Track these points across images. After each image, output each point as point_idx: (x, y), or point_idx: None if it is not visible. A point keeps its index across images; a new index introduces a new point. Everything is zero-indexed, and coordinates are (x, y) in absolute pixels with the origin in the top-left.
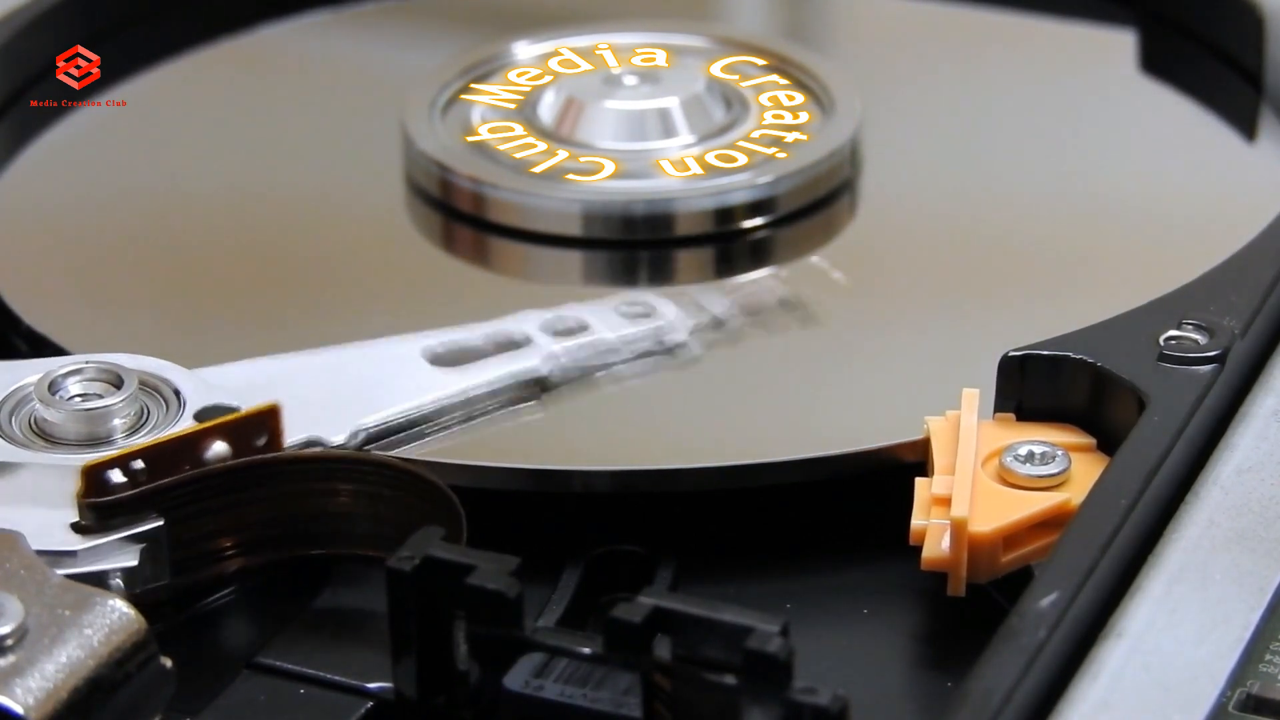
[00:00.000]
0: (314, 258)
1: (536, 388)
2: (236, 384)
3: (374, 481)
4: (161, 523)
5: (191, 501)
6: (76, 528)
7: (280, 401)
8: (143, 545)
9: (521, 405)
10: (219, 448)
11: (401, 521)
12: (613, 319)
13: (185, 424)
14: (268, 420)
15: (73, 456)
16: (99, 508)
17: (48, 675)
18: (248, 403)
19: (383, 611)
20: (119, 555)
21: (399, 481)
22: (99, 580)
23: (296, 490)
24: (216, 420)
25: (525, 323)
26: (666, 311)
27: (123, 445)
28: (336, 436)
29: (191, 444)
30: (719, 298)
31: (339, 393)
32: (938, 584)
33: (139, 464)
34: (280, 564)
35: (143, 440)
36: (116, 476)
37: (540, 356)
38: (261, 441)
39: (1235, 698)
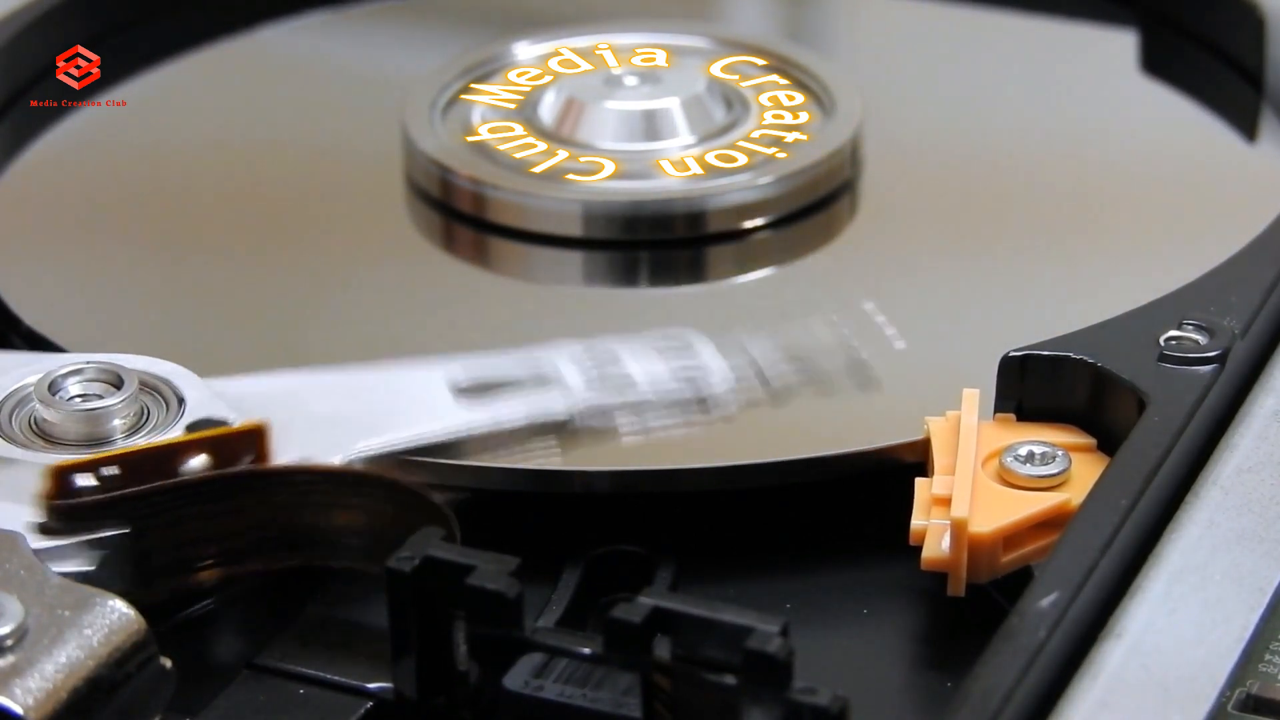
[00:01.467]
0: (314, 258)
1: (556, 430)
2: (246, 395)
3: (352, 493)
4: (126, 530)
5: (161, 512)
6: (43, 528)
7: (283, 418)
8: (104, 552)
9: (537, 447)
10: (199, 461)
11: (384, 532)
12: (648, 355)
13: (182, 428)
14: (254, 438)
15: (71, 457)
16: (59, 510)
17: (47, 675)
18: (252, 414)
19: (382, 612)
20: (77, 559)
21: (378, 493)
22: None
23: (272, 502)
24: (198, 434)
25: (558, 355)
26: (705, 355)
27: (122, 446)
28: (333, 458)
29: (170, 455)
30: (765, 343)
31: (347, 413)
32: (938, 584)
33: (113, 470)
34: (261, 575)
35: (121, 447)
36: (87, 480)
37: (562, 396)
38: (248, 459)
39: (1235, 698)
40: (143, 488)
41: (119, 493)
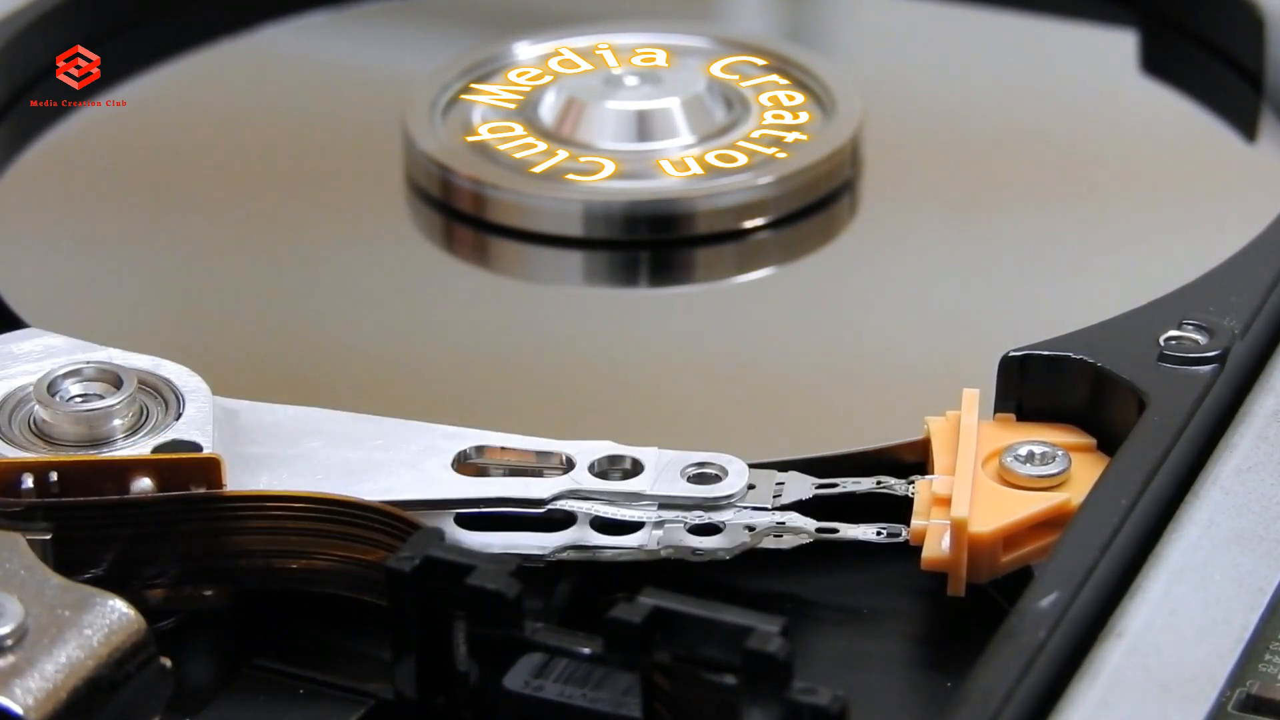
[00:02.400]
0: (315, 257)
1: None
2: (250, 419)
3: (278, 516)
4: (48, 537)
5: (91, 526)
6: None
7: (282, 451)
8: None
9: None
10: (144, 483)
11: (312, 548)
12: (670, 476)
13: (171, 434)
14: (206, 470)
15: (17, 456)
16: None
17: (47, 675)
18: (252, 444)
19: (383, 612)
20: None
21: (305, 512)
22: None
23: (196, 529)
24: (147, 456)
25: (579, 451)
26: (735, 483)
27: (122, 445)
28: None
29: (116, 473)
30: (807, 485)
31: (337, 460)
32: (938, 584)
33: (53, 476)
34: (209, 602)
35: (66, 455)
36: (28, 481)
37: (553, 489)
38: (200, 490)
39: (1235, 698)
40: (73, 499)
41: (46, 500)
